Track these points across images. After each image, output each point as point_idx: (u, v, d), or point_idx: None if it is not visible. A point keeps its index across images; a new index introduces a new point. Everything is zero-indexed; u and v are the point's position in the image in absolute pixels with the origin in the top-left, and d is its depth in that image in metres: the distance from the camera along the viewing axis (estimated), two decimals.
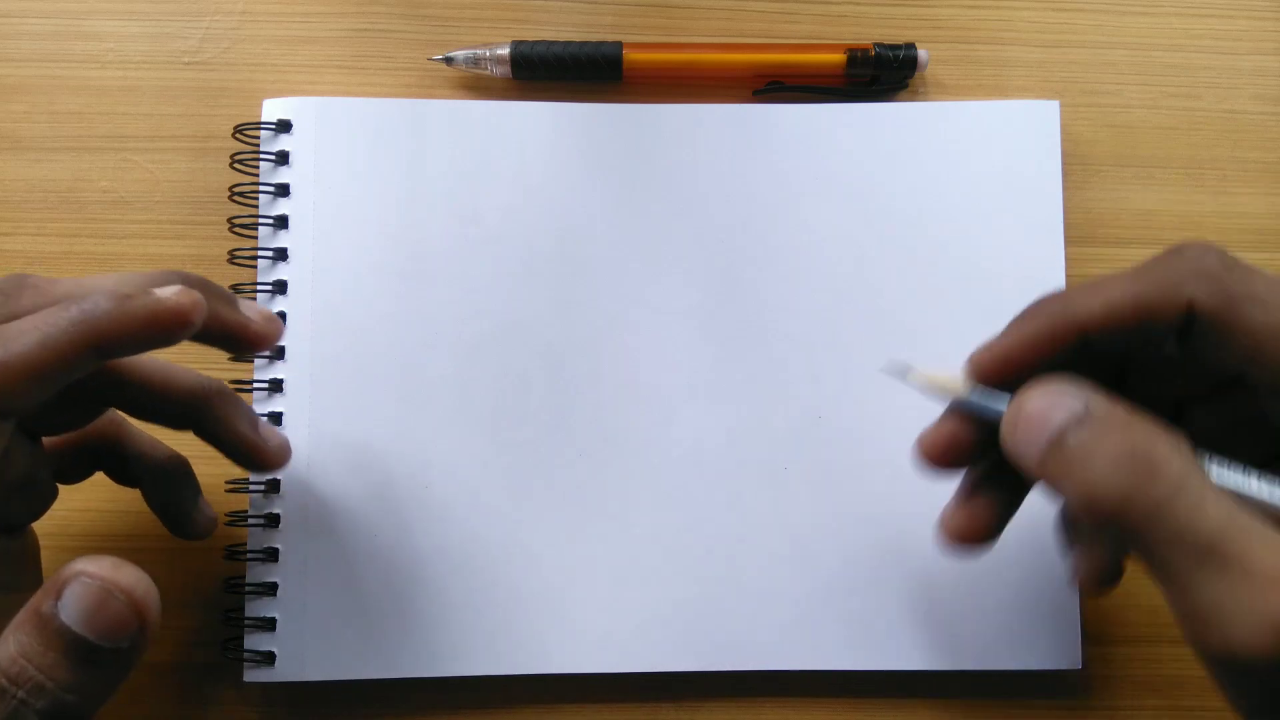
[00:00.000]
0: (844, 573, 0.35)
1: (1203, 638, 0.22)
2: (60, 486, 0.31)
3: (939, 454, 0.28)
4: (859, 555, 0.35)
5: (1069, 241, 0.37)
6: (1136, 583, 0.36)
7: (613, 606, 0.35)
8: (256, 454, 0.31)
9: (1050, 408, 0.24)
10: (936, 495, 0.35)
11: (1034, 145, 0.37)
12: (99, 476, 0.33)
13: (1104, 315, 0.26)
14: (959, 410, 0.28)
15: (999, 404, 0.27)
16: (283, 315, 0.36)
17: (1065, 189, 0.37)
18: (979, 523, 0.29)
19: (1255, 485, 0.25)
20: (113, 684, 0.24)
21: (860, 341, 0.36)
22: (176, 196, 0.38)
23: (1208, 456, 0.25)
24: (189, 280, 0.27)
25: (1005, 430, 0.26)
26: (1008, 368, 0.27)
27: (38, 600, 0.23)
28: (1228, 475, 0.25)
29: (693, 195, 0.37)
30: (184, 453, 0.34)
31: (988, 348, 0.27)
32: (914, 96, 0.39)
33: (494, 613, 0.35)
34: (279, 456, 0.32)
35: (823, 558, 0.35)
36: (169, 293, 0.26)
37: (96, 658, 0.23)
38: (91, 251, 0.37)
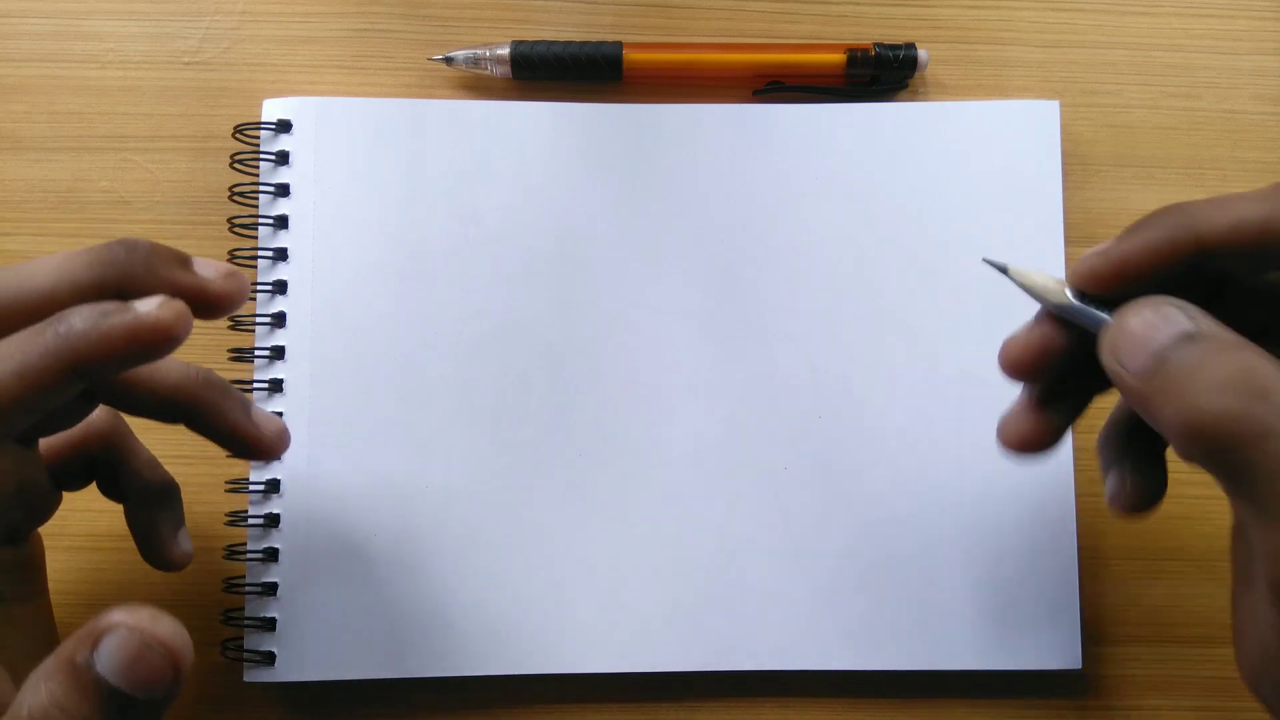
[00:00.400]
0: (844, 573, 0.35)
1: None
2: (54, 510, 0.30)
3: (1028, 360, 0.27)
4: (859, 555, 0.35)
5: (1069, 241, 0.37)
6: (1136, 583, 0.36)
7: (613, 606, 0.35)
8: (253, 442, 0.30)
9: (1158, 324, 0.23)
10: (937, 495, 0.35)
11: (1034, 145, 0.37)
12: None
13: (1230, 232, 0.24)
14: (1053, 316, 0.27)
15: (1101, 317, 0.25)
16: (282, 315, 0.36)
17: (1065, 189, 0.37)
18: (1043, 431, 0.28)
19: None
20: None
21: (860, 341, 0.36)
22: (176, 196, 0.38)
23: None
24: (131, 248, 0.26)
25: (1105, 344, 0.24)
26: (1117, 277, 0.25)
27: (71, 650, 0.22)
28: None
29: (693, 195, 0.37)
30: (189, 457, 0.34)
31: (1100, 252, 0.26)
32: (914, 96, 0.39)
33: (494, 613, 0.35)
34: (276, 444, 0.31)
35: (823, 558, 0.35)
36: (150, 306, 0.25)
37: (131, 708, 0.23)
38: None
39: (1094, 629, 0.36)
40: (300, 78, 0.38)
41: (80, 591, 0.36)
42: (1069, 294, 0.26)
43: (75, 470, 0.31)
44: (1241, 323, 0.26)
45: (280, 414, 0.35)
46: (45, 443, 0.30)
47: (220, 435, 0.30)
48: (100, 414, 0.31)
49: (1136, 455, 0.28)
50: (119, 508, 0.34)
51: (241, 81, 0.38)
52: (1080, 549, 0.35)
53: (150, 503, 0.32)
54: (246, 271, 0.36)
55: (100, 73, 0.38)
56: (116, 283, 0.25)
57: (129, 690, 0.22)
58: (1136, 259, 0.25)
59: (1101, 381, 0.26)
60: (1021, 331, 0.27)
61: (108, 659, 0.22)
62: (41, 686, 0.22)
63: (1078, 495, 0.35)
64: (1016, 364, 0.27)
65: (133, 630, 0.23)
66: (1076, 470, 0.36)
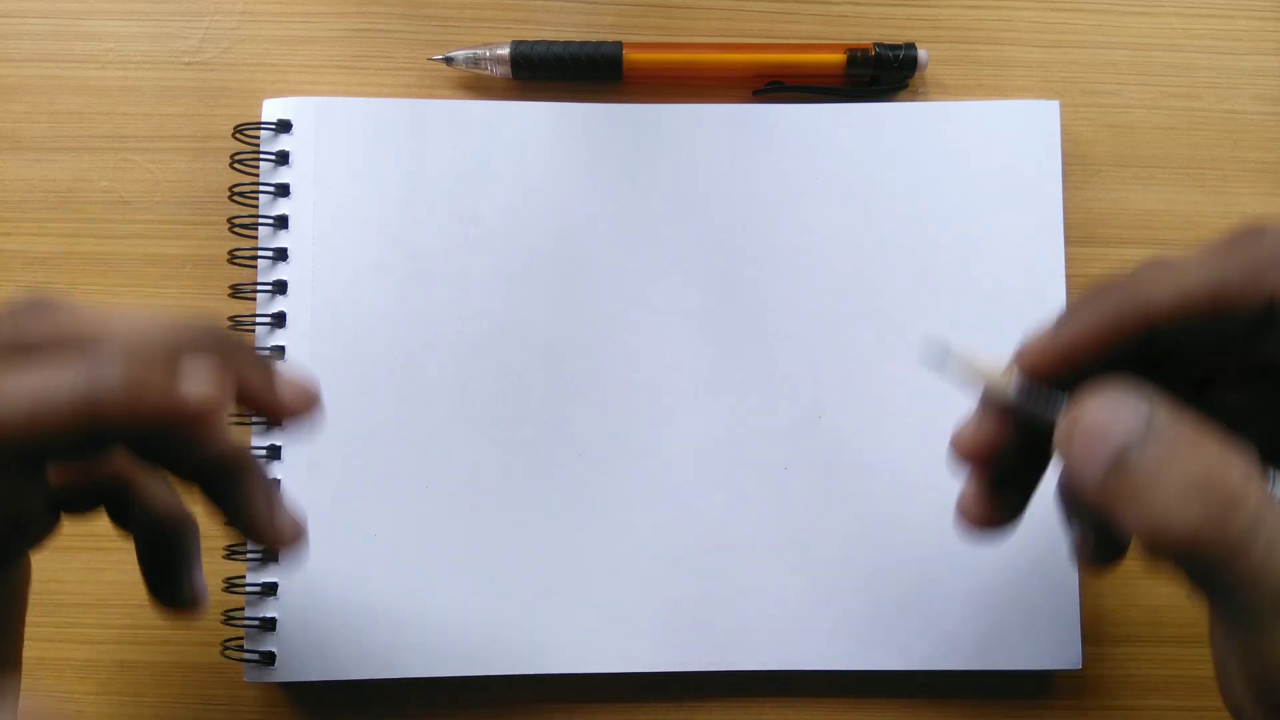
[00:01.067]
0: (844, 573, 0.35)
1: (1273, 685, 0.20)
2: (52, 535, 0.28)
3: (980, 455, 0.26)
4: (859, 555, 0.35)
5: (1069, 241, 0.37)
6: (1136, 583, 0.36)
7: (613, 606, 0.35)
8: (267, 538, 0.26)
9: (1113, 419, 0.22)
10: (937, 496, 0.35)
11: (1034, 145, 0.37)
12: None
13: (1178, 306, 0.23)
14: (1003, 409, 0.25)
15: (1051, 407, 0.24)
16: (282, 315, 0.36)
17: (1065, 189, 0.37)
18: (1001, 511, 0.27)
19: None
20: None
21: (860, 342, 0.36)
22: (176, 196, 0.38)
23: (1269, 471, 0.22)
24: (221, 342, 0.24)
25: (1060, 443, 0.23)
26: (1064, 366, 0.24)
27: None
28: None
29: (693, 195, 0.37)
30: None
31: (1042, 341, 0.24)
32: (914, 96, 0.39)
33: (494, 613, 0.35)
34: (291, 542, 0.27)
35: (823, 558, 0.35)
36: (195, 383, 0.22)
37: None
38: (91, 251, 0.37)
39: (1094, 629, 0.36)
40: (300, 78, 0.38)
41: (80, 591, 0.36)
42: (1014, 389, 0.25)
43: (80, 496, 0.27)
44: (1188, 372, 0.25)
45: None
46: (53, 471, 0.27)
47: (238, 520, 0.26)
48: None
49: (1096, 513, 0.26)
50: None
51: (241, 81, 0.38)
52: None
53: (162, 540, 0.28)
54: (246, 271, 0.36)
55: (100, 73, 0.38)
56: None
57: None
58: (1083, 345, 0.24)
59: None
60: (970, 422, 0.26)
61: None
62: None
63: None
64: (970, 455, 0.26)
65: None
66: None
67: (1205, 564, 0.20)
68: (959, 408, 0.37)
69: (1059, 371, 0.24)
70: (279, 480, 0.35)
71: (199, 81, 0.38)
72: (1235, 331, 0.23)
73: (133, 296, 0.37)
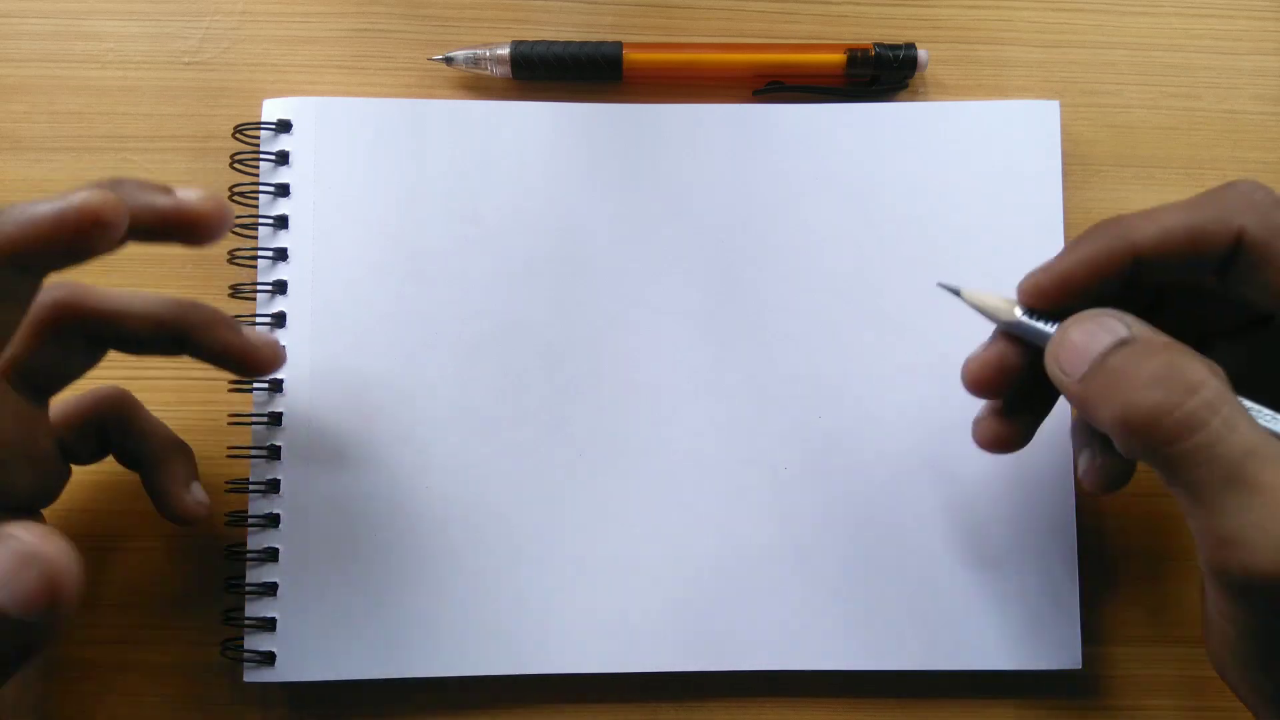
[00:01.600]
0: (844, 573, 0.35)
1: (1222, 559, 0.23)
2: (64, 485, 0.31)
3: (986, 377, 0.29)
4: (859, 555, 0.35)
5: (1069, 242, 0.37)
6: (1136, 583, 0.36)
7: (613, 606, 0.35)
8: (248, 358, 0.31)
9: (1096, 332, 0.25)
10: (937, 495, 0.35)
11: (1034, 145, 0.37)
12: (104, 476, 0.33)
13: (1159, 240, 0.26)
14: (1007, 334, 0.29)
15: (1046, 330, 0.27)
16: (282, 315, 0.36)
17: (1065, 189, 0.37)
18: (1012, 434, 0.30)
19: None
20: (11, 660, 0.23)
21: (860, 341, 0.36)
22: None
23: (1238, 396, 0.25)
24: (116, 184, 0.27)
25: (1049, 354, 0.27)
26: (1060, 291, 0.27)
27: None
28: (1259, 413, 0.25)
29: (693, 195, 0.37)
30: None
31: (1043, 269, 0.28)
32: (914, 96, 0.39)
33: (494, 613, 0.35)
34: (272, 357, 0.31)
35: (823, 558, 0.35)
36: (81, 194, 0.25)
37: (8, 629, 0.22)
38: None
39: (1094, 629, 0.36)
40: (300, 78, 0.38)
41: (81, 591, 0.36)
42: (1018, 312, 0.28)
43: (85, 440, 0.32)
44: (1184, 330, 0.28)
45: (280, 414, 0.35)
46: (54, 413, 0.31)
47: (216, 355, 0.30)
48: (107, 386, 0.32)
49: (1104, 439, 0.30)
50: (119, 507, 0.34)
51: (241, 81, 0.38)
52: (1080, 549, 0.35)
53: (162, 461, 0.33)
54: (246, 272, 0.36)
55: (100, 73, 0.38)
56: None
57: (7, 605, 0.21)
58: (1077, 272, 0.27)
59: (1056, 391, 0.28)
60: (979, 350, 0.29)
61: None
62: None
63: (1078, 495, 0.35)
64: (977, 381, 0.29)
65: (17, 541, 0.22)
66: (1076, 470, 0.36)
67: (1165, 441, 0.23)
68: (959, 407, 0.37)
69: (1056, 299, 0.28)
70: (278, 480, 0.35)
71: (199, 81, 0.38)
72: (1209, 266, 0.27)
73: None
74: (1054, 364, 0.27)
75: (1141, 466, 0.27)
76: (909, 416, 0.36)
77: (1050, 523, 0.35)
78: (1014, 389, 0.29)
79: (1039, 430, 0.34)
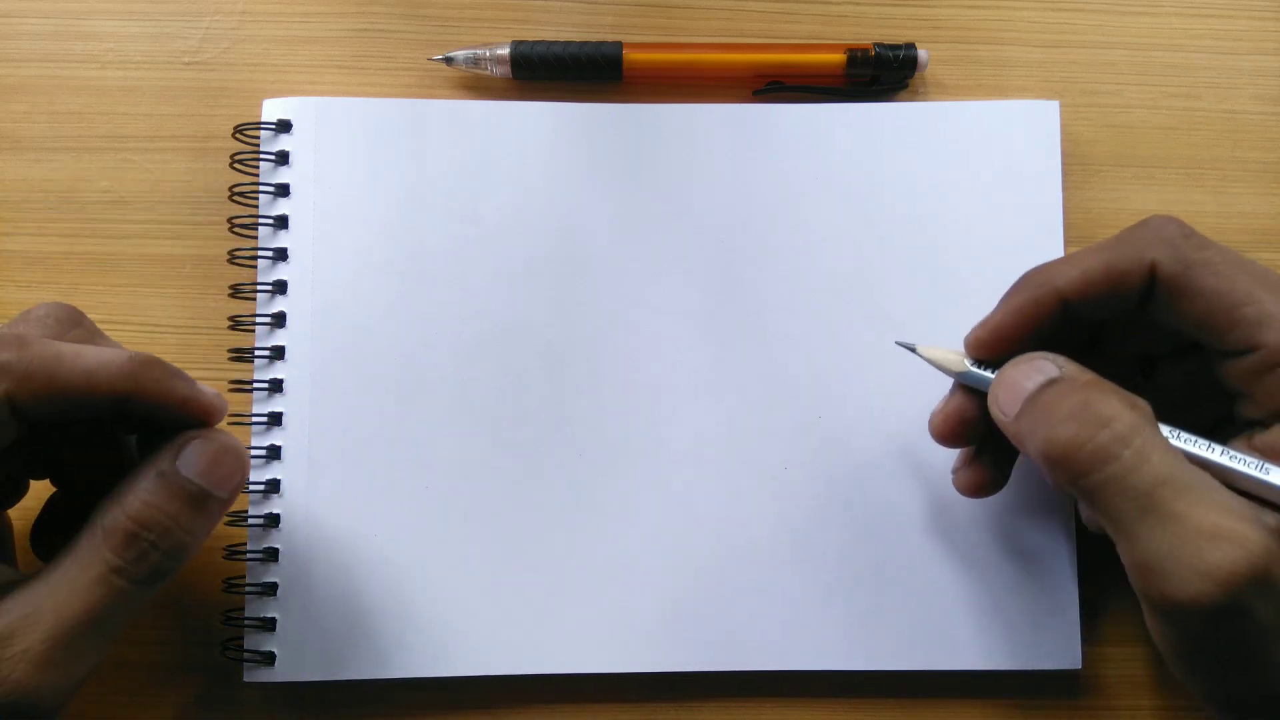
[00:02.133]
0: (844, 573, 0.35)
1: (1144, 585, 0.25)
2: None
3: (949, 429, 0.31)
4: (859, 555, 0.35)
5: (1069, 241, 0.37)
6: None
7: (613, 606, 0.35)
8: (203, 408, 0.29)
9: (1028, 373, 0.28)
10: (936, 495, 0.35)
11: (1034, 145, 0.37)
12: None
13: (1081, 282, 0.29)
14: (963, 386, 0.31)
15: (990, 376, 0.30)
16: (282, 315, 0.36)
17: (1065, 189, 0.37)
18: (985, 478, 0.32)
19: (1212, 451, 0.27)
20: (213, 526, 0.28)
21: (860, 341, 0.36)
22: (176, 196, 0.38)
23: (1169, 427, 0.28)
24: (138, 362, 0.27)
25: (990, 396, 0.29)
26: (998, 340, 0.30)
27: (157, 464, 0.27)
28: (1189, 440, 0.28)
29: (693, 195, 0.37)
30: None
31: (981, 324, 0.30)
32: (914, 96, 0.39)
33: (494, 613, 0.35)
34: (219, 405, 0.29)
35: (823, 558, 0.35)
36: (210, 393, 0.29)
37: (208, 505, 0.28)
38: (91, 251, 0.37)
39: (1094, 629, 0.36)
40: (300, 78, 0.38)
41: None
42: (967, 363, 0.31)
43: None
44: (1127, 355, 0.31)
45: (280, 414, 0.35)
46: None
47: (172, 407, 0.28)
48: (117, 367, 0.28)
49: (994, 449, 0.32)
50: None
51: (241, 81, 0.38)
52: (1080, 549, 0.35)
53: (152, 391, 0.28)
54: (246, 271, 0.36)
55: (100, 73, 0.38)
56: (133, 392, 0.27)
57: (209, 487, 0.28)
58: (1009, 322, 0.30)
59: None
60: (940, 405, 0.32)
61: (191, 463, 0.27)
62: (133, 495, 0.27)
63: None
64: (941, 433, 0.31)
65: (209, 439, 0.28)
66: None
67: (1079, 471, 0.25)
68: None
69: (996, 347, 0.30)
70: (278, 480, 0.35)
71: (199, 81, 0.38)
72: (1130, 300, 0.29)
73: (133, 296, 0.37)
74: (994, 405, 0.29)
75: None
76: (909, 417, 0.36)
77: (1050, 523, 0.35)
78: (979, 435, 0.31)
79: None
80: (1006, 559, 0.35)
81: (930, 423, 0.32)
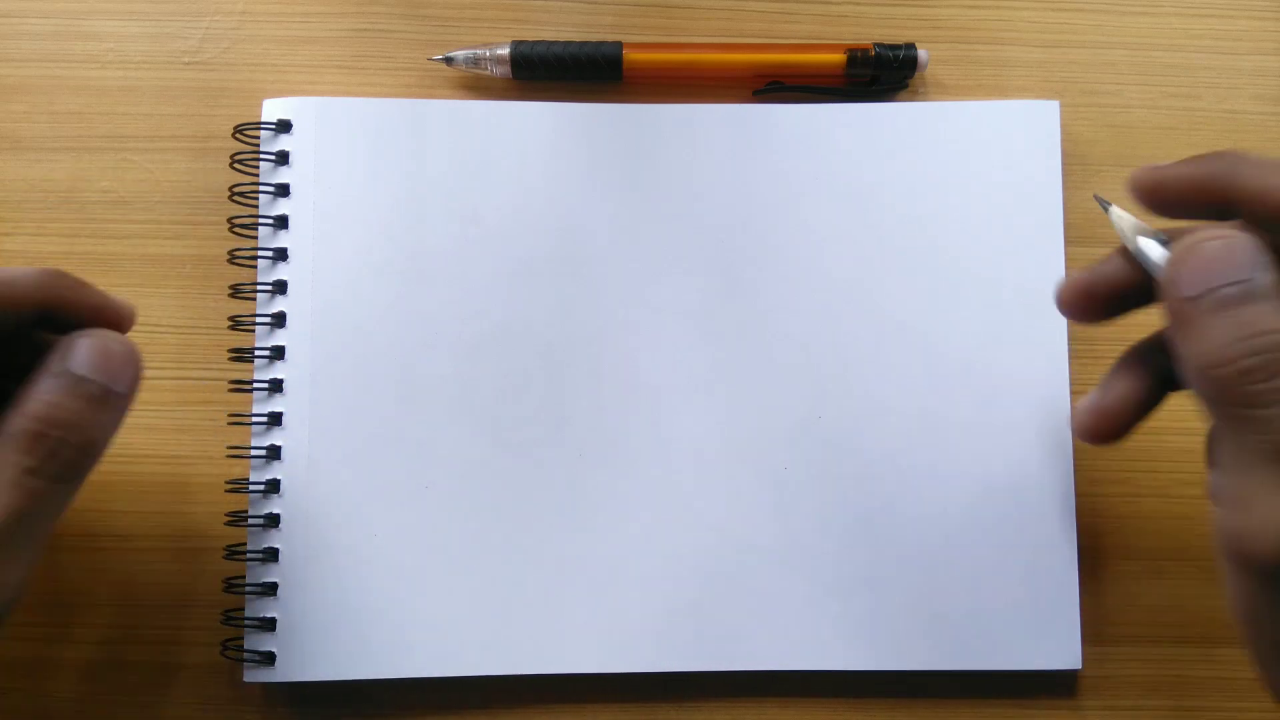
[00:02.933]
0: (844, 573, 0.35)
1: (1235, 525, 0.24)
2: None
3: (1090, 285, 0.29)
4: (859, 555, 0.35)
5: (1069, 241, 0.37)
6: (1136, 583, 0.36)
7: (613, 606, 0.35)
8: (116, 310, 0.31)
9: (1224, 261, 0.25)
10: (936, 495, 0.35)
11: (1034, 145, 0.37)
12: (104, 476, 0.33)
13: (1258, 195, 0.26)
14: (1125, 258, 0.28)
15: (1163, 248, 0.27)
16: (282, 315, 0.36)
17: (1065, 189, 0.37)
18: (1111, 422, 0.30)
19: None
20: (119, 422, 0.29)
21: (860, 341, 0.36)
22: (176, 196, 0.38)
23: None
24: (49, 273, 0.29)
25: (1175, 256, 0.26)
26: (1151, 193, 0.28)
27: (50, 365, 0.28)
28: None
29: (693, 195, 0.37)
30: (189, 457, 0.33)
31: (1151, 168, 0.28)
32: (914, 96, 0.39)
33: (494, 613, 0.35)
34: (129, 309, 0.31)
35: (822, 558, 0.35)
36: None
37: (108, 400, 0.28)
38: (91, 251, 0.37)
39: (1094, 629, 0.36)
40: (300, 78, 0.38)
41: (80, 591, 0.36)
42: (1145, 233, 0.28)
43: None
44: None
45: (280, 414, 0.35)
46: None
47: (86, 313, 0.30)
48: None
49: (1148, 374, 0.30)
50: (118, 507, 0.34)
51: (241, 81, 0.38)
52: (1080, 549, 0.35)
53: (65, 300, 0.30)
54: (246, 271, 0.36)
55: (100, 73, 0.38)
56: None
57: (103, 380, 0.28)
58: (1173, 185, 0.27)
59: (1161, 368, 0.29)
60: (1089, 267, 0.29)
61: (82, 360, 0.28)
62: (34, 398, 0.27)
63: (1078, 495, 0.35)
64: (1082, 284, 0.29)
65: (95, 335, 0.28)
66: (1077, 471, 0.36)
67: (1223, 403, 0.24)
68: (959, 407, 0.37)
69: (1146, 199, 0.28)
70: (278, 480, 0.35)
71: (199, 81, 0.38)
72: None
73: (133, 296, 0.37)
74: (1174, 270, 0.25)
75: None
76: (909, 416, 0.36)
77: (1050, 523, 0.35)
78: (1108, 310, 0.29)
79: (1036, 431, 0.34)
80: (1006, 559, 0.35)
81: (1068, 282, 0.29)
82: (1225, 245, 0.25)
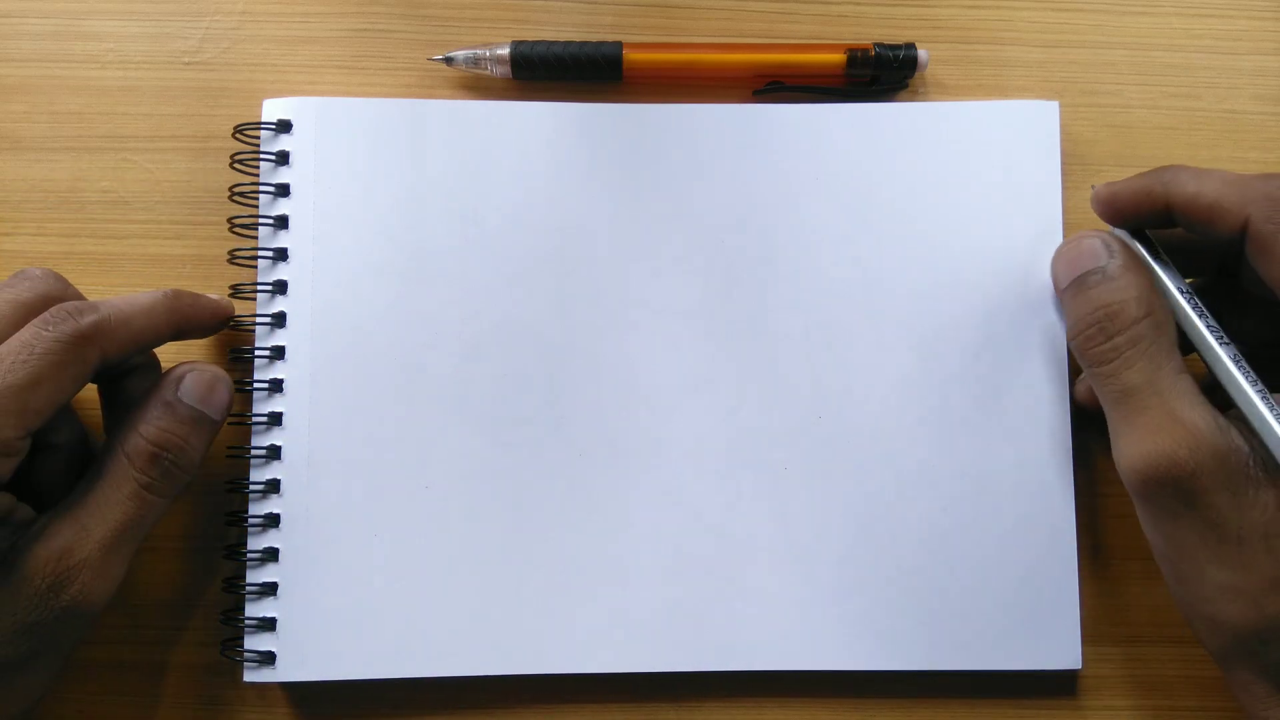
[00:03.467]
0: (844, 573, 0.35)
1: (1115, 458, 0.30)
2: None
3: (1112, 199, 0.33)
4: (859, 555, 0.35)
5: None
6: (1136, 583, 0.36)
7: (612, 606, 0.35)
8: (226, 313, 0.36)
9: (1082, 257, 0.32)
10: (936, 495, 0.35)
11: (1034, 145, 0.37)
12: None
13: (1187, 200, 0.30)
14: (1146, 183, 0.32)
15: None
16: (282, 315, 0.36)
17: (1065, 189, 0.37)
18: (1121, 204, 0.33)
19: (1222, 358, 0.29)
20: (210, 443, 0.33)
21: (860, 342, 0.36)
22: (176, 196, 0.38)
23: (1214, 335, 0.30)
24: (171, 296, 0.33)
25: (1051, 262, 0.34)
26: (1106, 206, 0.32)
27: (162, 394, 0.32)
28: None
29: (693, 195, 0.37)
30: None
31: (1109, 184, 0.33)
32: (914, 96, 0.39)
33: (494, 613, 0.35)
34: (230, 305, 0.36)
35: (823, 557, 0.35)
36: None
37: (205, 425, 0.32)
38: (91, 251, 0.37)
39: (1094, 629, 0.36)
40: (300, 78, 0.38)
41: None
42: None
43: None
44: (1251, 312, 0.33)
45: (280, 414, 0.35)
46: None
47: (208, 322, 0.35)
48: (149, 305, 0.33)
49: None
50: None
51: (241, 81, 0.38)
52: (1080, 549, 0.35)
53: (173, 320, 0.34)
54: (246, 271, 0.36)
55: (100, 73, 0.38)
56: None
57: (206, 411, 0.32)
58: (1123, 197, 0.32)
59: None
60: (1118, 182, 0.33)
61: (189, 391, 0.32)
62: (147, 424, 0.31)
63: (1078, 495, 0.35)
64: (1114, 193, 0.33)
65: (201, 370, 0.33)
66: (1077, 471, 0.36)
67: (1088, 359, 0.31)
68: (959, 407, 0.37)
69: (1104, 213, 0.33)
70: (278, 480, 0.35)
71: (199, 81, 0.38)
72: (1220, 245, 0.31)
73: None
74: (1054, 263, 0.33)
75: None
76: (908, 416, 0.36)
77: (1050, 523, 0.35)
78: (1137, 221, 0.33)
79: (1036, 430, 0.34)
80: (1006, 559, 0.35)
81: (1103, 185, 0.33)
82: (1078, 245, 0.32)
